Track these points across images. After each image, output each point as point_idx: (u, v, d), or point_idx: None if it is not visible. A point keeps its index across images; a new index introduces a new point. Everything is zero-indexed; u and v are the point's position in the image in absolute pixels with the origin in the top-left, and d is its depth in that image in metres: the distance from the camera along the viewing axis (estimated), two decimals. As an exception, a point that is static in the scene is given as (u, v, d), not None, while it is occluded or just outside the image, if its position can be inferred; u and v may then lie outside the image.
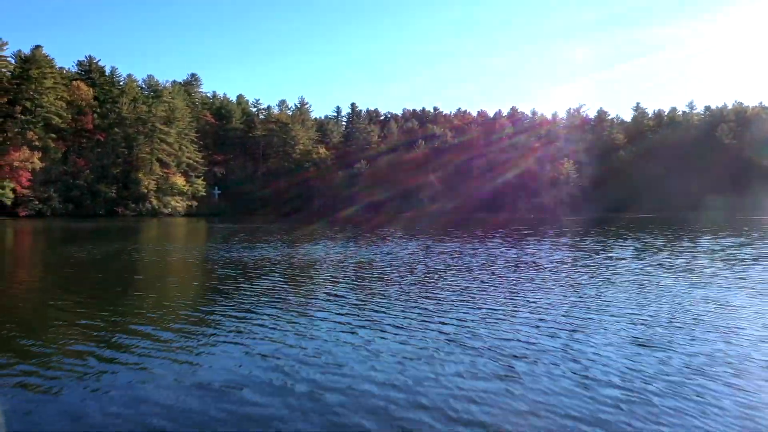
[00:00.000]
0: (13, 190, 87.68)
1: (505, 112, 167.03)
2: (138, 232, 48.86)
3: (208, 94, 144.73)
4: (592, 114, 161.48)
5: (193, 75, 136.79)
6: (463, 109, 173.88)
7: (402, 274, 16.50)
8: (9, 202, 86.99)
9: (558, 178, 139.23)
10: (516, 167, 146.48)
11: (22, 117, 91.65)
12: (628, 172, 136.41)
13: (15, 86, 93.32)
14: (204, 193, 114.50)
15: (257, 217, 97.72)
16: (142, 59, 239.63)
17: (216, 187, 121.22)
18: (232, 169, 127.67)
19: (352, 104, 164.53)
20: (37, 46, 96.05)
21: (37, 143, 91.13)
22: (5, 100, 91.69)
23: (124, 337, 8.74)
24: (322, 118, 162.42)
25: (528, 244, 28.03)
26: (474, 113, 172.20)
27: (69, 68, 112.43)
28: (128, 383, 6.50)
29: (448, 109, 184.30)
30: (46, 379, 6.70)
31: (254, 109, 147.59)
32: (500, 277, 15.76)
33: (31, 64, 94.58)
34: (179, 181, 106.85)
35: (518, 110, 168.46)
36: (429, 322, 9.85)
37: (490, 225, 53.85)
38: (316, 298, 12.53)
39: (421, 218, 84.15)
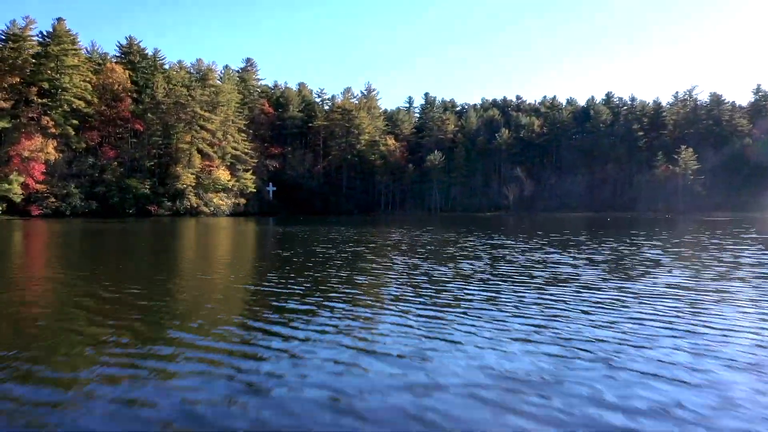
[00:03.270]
0: (25, 185, 70.64)
1: (598, 99, 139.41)
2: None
3: (269, 84, 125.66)
4: (703, 97, 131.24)
5: (248, 60, 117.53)
6: (550, 96, 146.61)
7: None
8: (18, 199, 69.53)
9: (673, 170, 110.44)
10: (617, 158, 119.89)
11: (39, 100, 74.20)
12: (756, 163, 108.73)
13: (32, 65, 76.16)
14: (254, 190, 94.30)
15: (318, 216, 77.91)
16: (199, 46, 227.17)
17: (270, 183, 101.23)
18: (289, 163, 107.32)
19: (426, 94, 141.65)
20: (59, 19, 77.95)
21: (53, 130, 73.52)
22: (17, 80, 74.14)
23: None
24: (393, 109, 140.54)
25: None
26: (562, 100, 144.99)
27: (113, 54, 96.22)
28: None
29: (532, 97, 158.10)
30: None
31: (318, 99, 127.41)
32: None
33: (50, 39, 77.29)
34: (223, 175, 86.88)
35: (614, 96, 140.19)
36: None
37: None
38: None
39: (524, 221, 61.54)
